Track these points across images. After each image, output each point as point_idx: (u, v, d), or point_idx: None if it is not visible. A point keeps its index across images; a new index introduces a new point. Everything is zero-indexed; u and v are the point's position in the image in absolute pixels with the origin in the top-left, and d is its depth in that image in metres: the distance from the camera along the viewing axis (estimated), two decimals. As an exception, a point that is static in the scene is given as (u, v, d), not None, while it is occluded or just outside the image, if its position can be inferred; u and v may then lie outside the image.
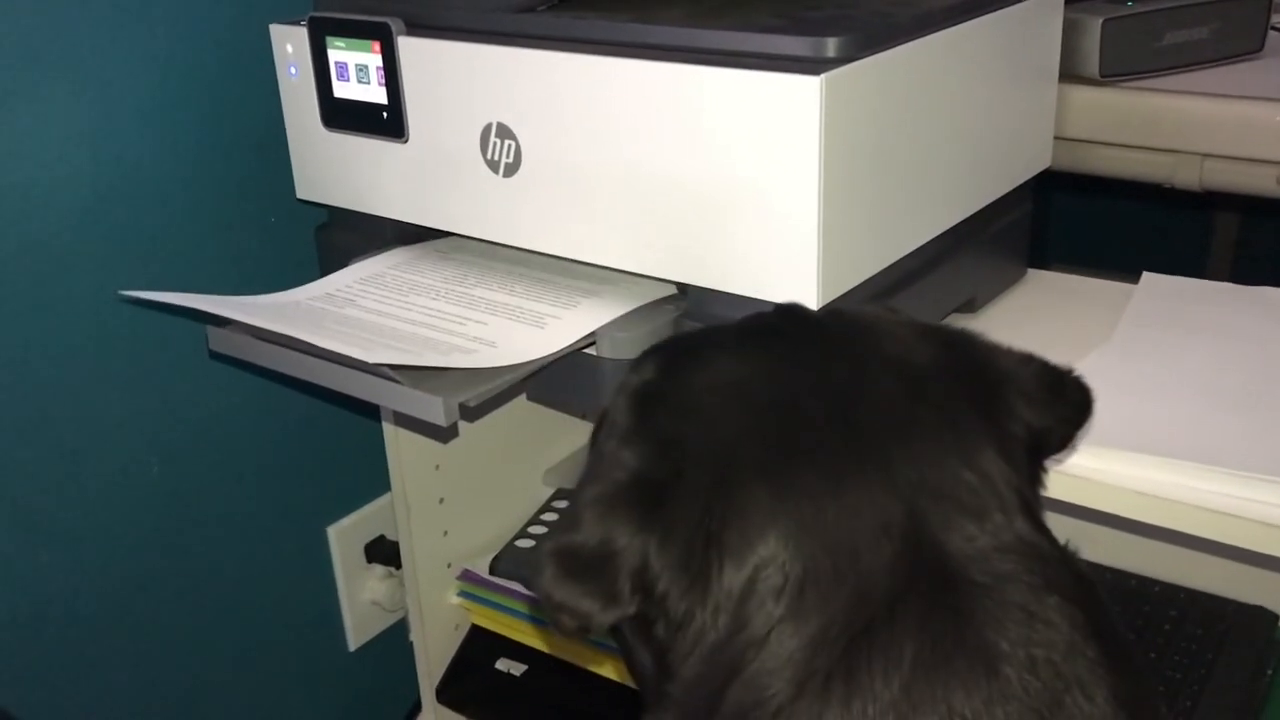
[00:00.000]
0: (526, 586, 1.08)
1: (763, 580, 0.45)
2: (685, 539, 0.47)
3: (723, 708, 0.45)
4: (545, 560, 0.48)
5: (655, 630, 0.49)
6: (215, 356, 0.87)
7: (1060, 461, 0.60)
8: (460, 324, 0.79)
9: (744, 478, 0.47)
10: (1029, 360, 0.56)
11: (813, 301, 0.70)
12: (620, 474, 0.49)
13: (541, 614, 0.48)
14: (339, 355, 0.73)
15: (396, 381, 0.72)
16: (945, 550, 0.45)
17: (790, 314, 0.57)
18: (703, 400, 0.51)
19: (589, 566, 0.47)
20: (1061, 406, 0.55)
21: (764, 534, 0.46)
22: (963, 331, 0.57)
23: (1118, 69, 1.03)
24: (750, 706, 0.44)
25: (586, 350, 0.77)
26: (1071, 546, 0.50)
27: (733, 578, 0.46)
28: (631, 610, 0.48)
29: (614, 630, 0.53)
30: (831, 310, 0.58)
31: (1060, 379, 0.56)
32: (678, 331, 0.57)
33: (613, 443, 0.51)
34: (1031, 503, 0.50)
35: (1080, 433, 0.57)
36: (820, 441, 0.48)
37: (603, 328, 0.76)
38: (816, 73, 0.66)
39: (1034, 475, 0.53)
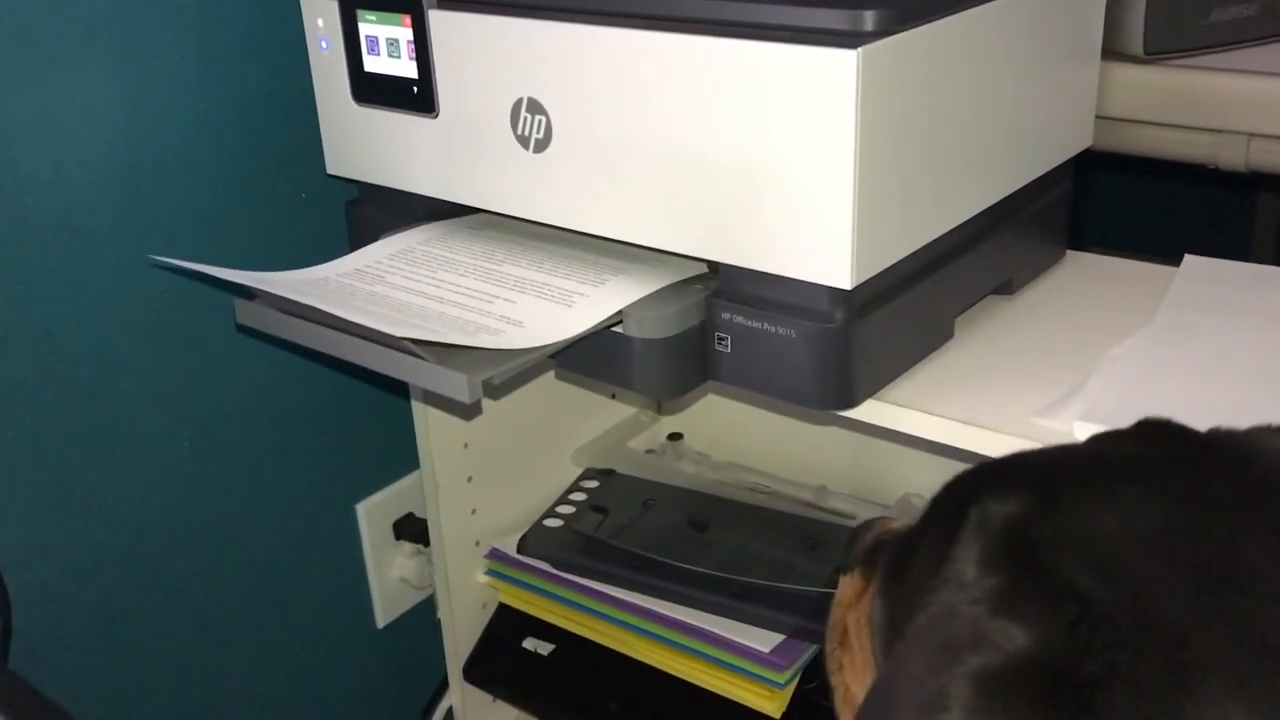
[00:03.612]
0: (555, 568, 1.07)
1: None
2: None
3: None
4: None
5: None
6: (242, 330, 0.87)
7: None
8: (489, 302, 0.78)
9: (1206, 685, 0.33)
10: None
11: (846, 281, 0.69)
12: (1007, 651, 0.34)
13: None
14: (364, 330, 0.73)
15: (421, 357, 0.71)
16: None
17: (1170, 434, 0.43)
18: (1120, 554, 0.36)
19: None
20: None
21: None
22: None
23: (1162, 46, 1.01)
24: None
25: (615, 328, 0.76)
26: None
27: None
28: None
29: None
30: (1213, 432, 0.43)
31: None
32: (1012, 456, 0.43)
33: (968, 601, 0.37)
34: None
35: None
36: None
37: (631, 306, 0.75)
38: (853, 46, 0.64)
39: None
